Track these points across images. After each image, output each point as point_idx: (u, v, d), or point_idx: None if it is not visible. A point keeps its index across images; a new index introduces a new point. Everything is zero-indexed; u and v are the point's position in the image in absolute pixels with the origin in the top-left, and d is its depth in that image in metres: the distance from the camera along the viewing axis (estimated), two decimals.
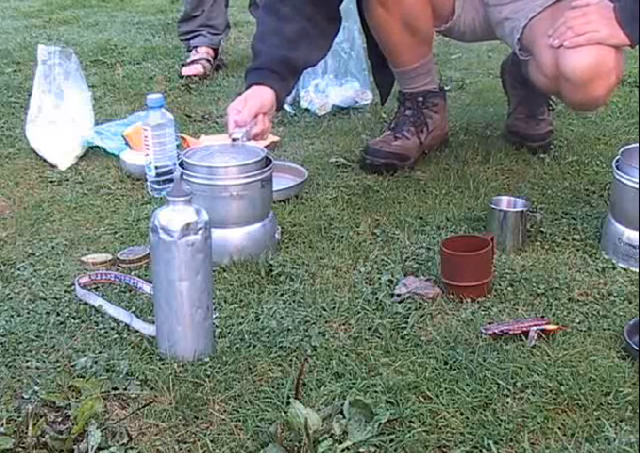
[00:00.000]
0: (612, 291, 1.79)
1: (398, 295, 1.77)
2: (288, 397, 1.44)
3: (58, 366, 1.57)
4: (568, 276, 1.86)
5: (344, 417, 1.37)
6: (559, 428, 1.38)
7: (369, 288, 1.81)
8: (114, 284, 1.87)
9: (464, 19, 2.43)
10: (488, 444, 1.34)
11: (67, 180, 2.46)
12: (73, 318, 1.73)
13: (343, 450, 1.32)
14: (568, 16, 2.05)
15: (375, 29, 2.40)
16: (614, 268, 1.89)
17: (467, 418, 1.40)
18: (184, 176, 1.82)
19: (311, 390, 1.48)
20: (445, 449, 1.35)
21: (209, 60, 3.53)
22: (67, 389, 1.49)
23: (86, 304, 1.77)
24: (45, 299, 1.81)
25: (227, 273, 1.88)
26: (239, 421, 1.41)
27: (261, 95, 2.06)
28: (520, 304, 1.75)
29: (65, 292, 1.84)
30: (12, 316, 1.74)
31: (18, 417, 1.40)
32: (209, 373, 1.53)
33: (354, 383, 1.49)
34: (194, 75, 3.43)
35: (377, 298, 1.77)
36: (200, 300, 1.55)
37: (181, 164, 1.94)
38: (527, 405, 1.43)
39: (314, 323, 1.69)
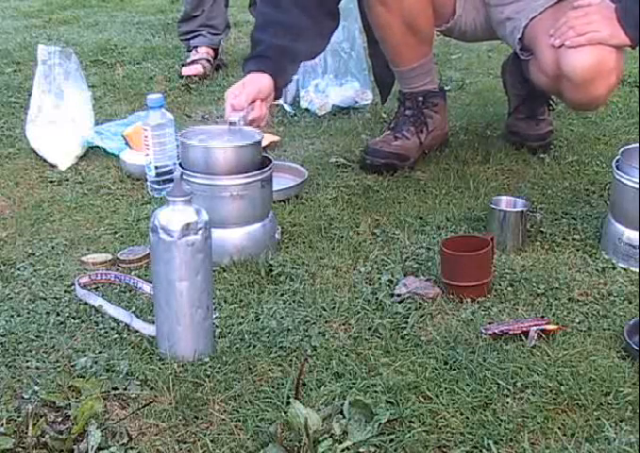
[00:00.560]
0: (612, 291, 1.79)
1: (398, 295, 1.77)
2: (288, 397, 1.44)
3: (58, 366, 1.57)
4: (568, 276, 1.86)
5: (344, 417, 1.37)
6: (559, 428, 1.38)
7: (369, 288, 1.81)
8: (114, 284, 1.87)
9: (465, 19, 2.44)
10: (488, 444, 1.34)
11: (67, 180, 2.46)
12: (73, 318, 1.73)
13: (343, 450, 1.32)
14: (570, 16, 2.06)
15: (375, 28, 2.41)
16: (614, 268, 1.89)
17: (467, 418, 1.40)
18: (184, 176, 1.82)
19: (311, 390, 1.48)
20: (445, 449, 1.35)
21: (209, 60, 3.53)
22: (67, 389, 1.49)
23: (86, 304, 1.77)
24: (45, 299, 1.81)
25: (227, 273, 1.88)
26: (239, 421, 1.41)
27: (260, 82, 2.06)
28: (520, 304, 1.75)
29: (65, 292, 1.84)
30: (12, 316, 1.74)
31: (18, 417, 1.40)
32: (209, 373, 1.53)
33: (354, 383, 1.49)
34: (194, 75, 3.43)
35: (377, 298, 1.77)
36: (200, 300, 1.55)
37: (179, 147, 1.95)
38: (527, 405, 1.43)
39: (314, 323, 1.69)
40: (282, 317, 1.71)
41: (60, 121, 2.61)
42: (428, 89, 2.51)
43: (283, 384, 1.49)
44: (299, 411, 1.33)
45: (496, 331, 1.62)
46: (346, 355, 1.58)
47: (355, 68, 3.11)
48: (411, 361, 1.55)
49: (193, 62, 3.50)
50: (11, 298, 1.82)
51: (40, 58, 2.63)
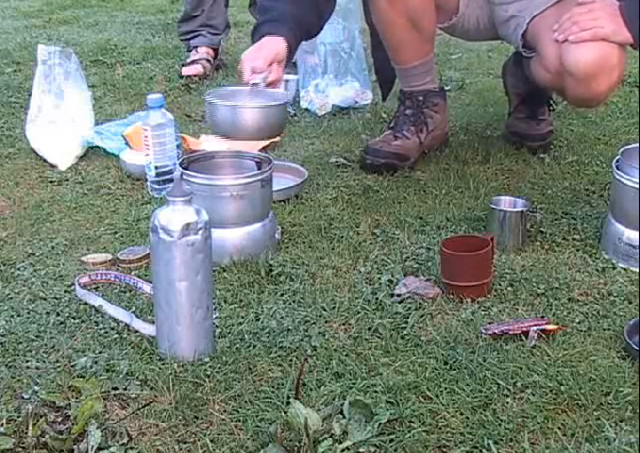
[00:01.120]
0: (612, 291, 1.79)
1: (398, 295, 1.77)
2: (288, 397, 1.44)
3: (58, 366, 1.57)
4: (568, 276, 1.86)
5: (344, 417, 1.37)
6: (559, 428, 1.38)
7: (369, 288, 1.81)
8: (114, 284, 1.87)
9: (469, 17, 2.44)
10: (488, 444, 1.34)
11: (67, 180, 2.46)
12: (73, 318, 1.73)
13: (343, 450, 1.32)
14: (574, 12, 2.07)
15: (379, 24, 2.41)
16: (614, 268, 1.89)
17: (467, 418, 1.40)
18: (184, 176, 1.82)
19: (311, 390, 1.48)
20: (445, 449, 1.35)
21: (209, 60, 3.53)
22: (67, 389, 1.49)
23: (86, 304, 1.77)
24: (45, 299, 1.81)
25: (227, 273, 1.88)
26: (239, 421, 1.41)
27: (276, 45, 2.08)
28: (520, 304, 1.75)
29: (65, 292, 1.84)
30: (12, 316, 1.74)
31: (18, 417, 1.40)
32: (209, 373, 1.53)
33: (354, 383, 1.49)
34: (194, 75, 3.43)
35: (377, 298, 1.77)
36: (200, 300, 1.55)
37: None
38: (527, 405, 1.43)
39: (314, 323, 1.69)
40: (282, 317, 1.71)
41: (60, 121, 2.61)
42: (428, 88, 2.51)
43: (283, 384, 1.49)
44: (299, 411, 1.33)
45: (496, 331, 1.62)
46: (346, 355, 1.58)
47: (355, 68, 3.11)
48: (411, 361, 1.55)
49: (193, 62, 3.50)
50: (11, 298, 1.82)
51: (40, 58, 2.63)
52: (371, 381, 1.49)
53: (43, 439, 1.34)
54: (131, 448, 1.36)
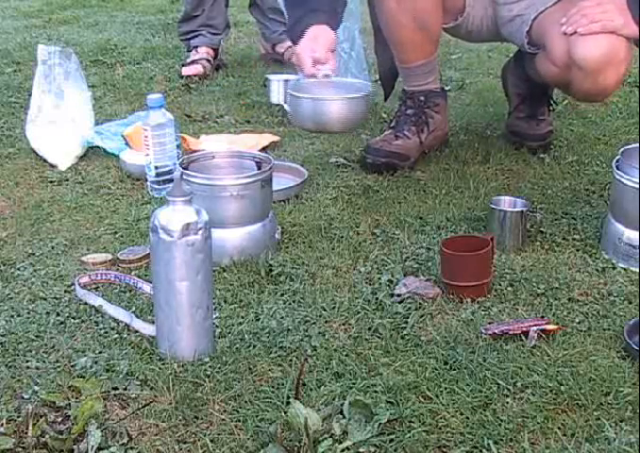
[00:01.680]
0: (612, 291, 1.79)
1: (398, 295, 1.77)
2: (288, 397, 1.44)
3: (58, 366, 1.57)
4: (568, 276, 1.86)
5: (344, 417, 1.37)
6: (559, 428, 1.38)
7: (369, 288, 1.81)
8: (114, 284, 1.87)
9: (473, 18, 2.45)
10: (488, 444, 1.34)
11: (67, 180, 2.46)
12: (73, 318, 1.73)
13: (343, 450, 1.32)
14: (583, 5, 2.09)
15: (384, 23, 2.41)
16: (614, 268, 1.89)
17: (467, 418, 1.40)
18: (184, 176, 1.82)
19: (311, 390, 1.48)
20: (445, 449, 1.35)
21: (209, 60, 3.53)
22: (67, 389, 1.49)
23: (86, 304, 1.77)
24: (45, 299, 1.81)
25: (227, 273, 1.88)
26: (239, 421, 1.41)
27: (327, 33, 2.09)
28: (520, 304, 1.75)
29: (65, 292, 1.84)
30: (12, 316, 1.74)
31: (18, 417, 1.40)
32: (209, 373, 1.53)
33: (354, 383, 1.49)
34: (194, 75, 3.43)
35: (377, 298, 1.77)
36: (200, 300, 1.55)
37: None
38: (527, 405, 1.43)
39: (314, 323, 1.69)
40: (282, 317, 1.71)
41: (60, 121, 2.61)
42: (430, 88, 2.51)
43: (283, 384, 1.49)
44: (299, 411, 1.33)
45: (496, 331, 1.62)
46: (346, 355, 1.58)
47: (355, 68, 3.11)
48: (411, 361, 1.55)
49: (193, 62, 3.50)
50: (11, 298, 1.82)
51: (40, 58, 2.63)
52: (371, 381, 1.49)
53: (43, 439, 1.34)
54: (131, 448, 1.36)
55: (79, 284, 1.82)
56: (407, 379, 1.49)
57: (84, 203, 2.31)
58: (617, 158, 1.93)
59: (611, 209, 1.97)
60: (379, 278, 1.84)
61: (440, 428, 1.38)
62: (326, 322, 1.70)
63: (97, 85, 3.36)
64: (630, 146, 1.96)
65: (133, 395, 1.48)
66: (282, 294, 1.80)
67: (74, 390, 1.48)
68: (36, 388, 1.49)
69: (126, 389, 1.49)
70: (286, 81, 3.06)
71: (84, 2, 5.12)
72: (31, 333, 1.68)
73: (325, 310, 1.74)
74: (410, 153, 2.45)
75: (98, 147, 2.63)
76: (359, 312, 1.73)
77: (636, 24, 2.04)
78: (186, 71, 3.46)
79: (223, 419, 1.42)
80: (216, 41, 3.61)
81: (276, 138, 2.69)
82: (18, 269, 1.94)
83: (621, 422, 1.39)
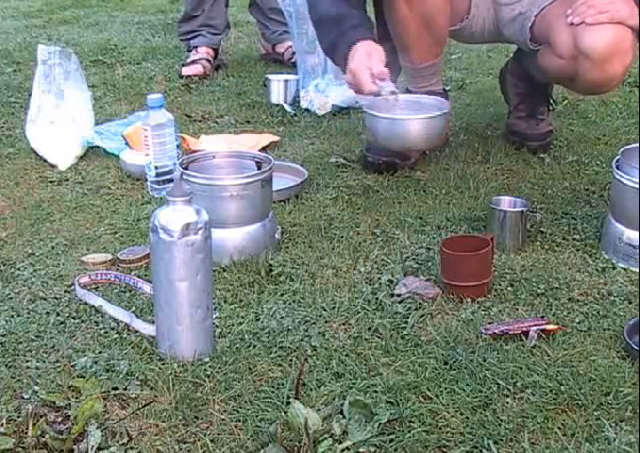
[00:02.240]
0: (612, 291, 1.79)
1: (398, 295, 1.77)
2: (288, 397, 1.44)
3: (58, 366, 1.57)
4: (568, 276, 1.86)
5: (344, 417, 1.37)
6: (559, 428, 1.38)
7: (369, 288, 1.81)
8: (114, 284, 1.87)
9: (477, 19, 2.45)
10: (488, 444, 1.34)
11: (67, 180, 2.46)
12: (73, 318, 1.73)
13: (343, 450, 1.32)
14: None
15: (393, 24, 2.40)
16: (614, 268, 1.89)
17: (467, 418, 1.40)
18: (184, 176, 1.82)
19: (311, 390, 1.48)
20: (445, 449, 1.35)
21: (209, 60, 3.53)
22: (67, 389, 1.49)
23: (86, 304, 1.77)
24: (45, 299, 1.81)
25: (227, 273, 1.88)
26: (239, 421, 1.41)
27: (377, 48, 2.07)
28: (520, 304, 1.75)
29: (65, 292, 1.84)
30: (12, 316, 1.74)
31: (18, 417, 1.40)
32: (209, 373, 1.53)
33: (354, 383, 1.49)
34: (194, 75, 3.43)
35: (377, 298, 1.77)
36: (200, 300, 1.55)
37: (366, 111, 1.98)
38: (527, 405, 1.43)
39: (314, 323, 1.69)
40: (282, 317, 1.71)
41: (60, 121, 2.61)
42: (433, 89, 2.51)
43: (283, 384, 1.49)
44: (299, 411, 1.33)
45: (496, 331, 1.62)
46: (346, 355, 1.58)
47: None
48: (411, 361, 1.55)
49: (193, 62, 3.50)
50: (11, 298, 1.82)
51: (40, 58, 2.63)
52: (371, 381, 1.49)
53: (43, 439, 1.34)
54: (131, 448, 1.36)
55: (79, 284, 1.82)
56: (407, 379, 1.49)
57: (84, 203, 2.31)
58: (617, 158, 1.93)
59: (611, 209, 1.97)
60: (379, 278, 1.84)
61: (440, 428, 1.38)
62: (326, 322, 1.70)
63: (97, 85, 3.36)
64: (630, 146, 1.97)
65: (133, 395, 1.48)
66: (282, 294, 1.80)
67: (74, 390, 1.48)
68: (36, 388, 1.49)
69: (126, 389, 1.49)
70: (286, 81, 3.07)
71: (84, 2, 5.12)
72: (31, 333, 1.68)
73: (325, 310, 1.74)
74: (411, 153, 2.45)
75: (98, 147, 2.63)
76: (359, 312, 1.73)
77: None
78: (186, 71, 3.46)
79: (223, 419, 1.42)
80: (216, 41, 3.61)
81: (276, 138, 2.69)
82: (18, 269, 1.94)
83: (621, 422, 1.39)
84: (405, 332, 1.65)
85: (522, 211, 1.99)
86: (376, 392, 1.46)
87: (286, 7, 3.08)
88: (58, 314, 1.75)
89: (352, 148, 2.62)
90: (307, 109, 2.99)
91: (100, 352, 1.61)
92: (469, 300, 1.75)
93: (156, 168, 2.30)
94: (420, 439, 1.36)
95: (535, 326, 1.62)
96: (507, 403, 1.44)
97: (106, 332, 1.68)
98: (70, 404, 1.43)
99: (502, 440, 1.36)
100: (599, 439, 1.35)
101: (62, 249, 2.04)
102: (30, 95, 2.70)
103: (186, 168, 1.95)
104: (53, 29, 4.43)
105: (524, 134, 2.59)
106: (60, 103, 2.63)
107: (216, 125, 2.90)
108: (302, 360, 1.53)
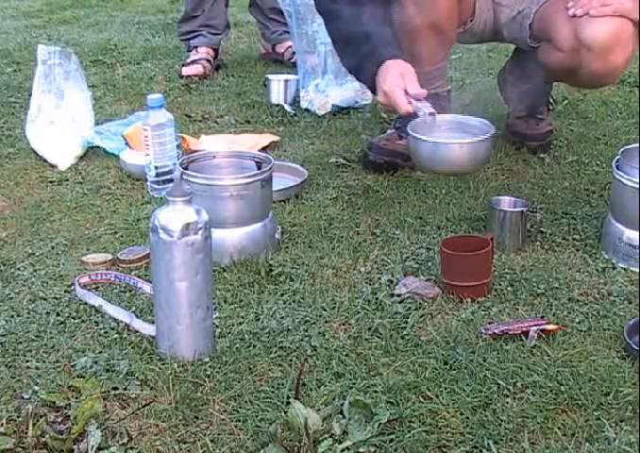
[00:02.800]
0: (612, 291, 1.79)
1: (398, 295, 1.77)
2: (288, 397, 1.44)
3: (58, 366, 1.57)
4: (568, 276, 1.86)
5: (344, 417, 1.37)
6: (559, 428, 1.38)
7: (369, 288, 1.81)
8: (114, 284, 1.87)
9: (479, 21, 2.45)
10: (488, 444, 1.34)
11: (67, 180, 2.46)
12: (73, 318, 1.73)
13: (343, 450, 1.32)
14: None
15: (402, 28, 2.39)
16: (614, 268, 1.89)
17: (467, 418, 1.40)
18: (184, 176, 1.82)
19: (311, 390, 1.48)
20: (445, 449, 1.35)
21: (209, 60, 3.53)
22: (67, 389, 1.49)
23: (86, 304, 1.77)
24: (45, 299, 1.81)
25: (227, 273, 1.88)
26: (239, 421, 1.41)
27: (407, 66, 2.05)
28: (520, 304, 1.75)
29: (65, 292, 1.84)
30: (12, 316, 1.74)
31: (18, 417, 1.41)
32: (209, 373, 1.53)
33: (354, 383, 1.49)
34: (194, 75, 3.43)
35: (377, 298, 1.77)
36: (200, 300, 1.55)
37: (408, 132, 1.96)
38: (527, 405, 1.43)
39: (314, 323, 1.69)
40: (282, 317, 1.71)
41: (60, 121, 2.61)
42: (438, 92, 2.50)
43: (283, 384, 1.49)
44: (299, 411, 1.34)
45: (496, 331, 1.62)
46: (346, 355, 1.58)
47: None
48: (411, 361, 1.55)
49: (193, 62, 3.50)
50: (11, 298, 1.82)
51: (40, 58, 2.63)
52: (371, 381, 1.49)
53: (43, 439, 1.34)
54: (131, 448, 1.36)
55: (79, 284, 1.82)
56: (407, 379, 1.49)
57: (84, 203, 2.31)
58: (617, 158, 1.93)
59: (611, 209, 1.97)
60: (379, 278, 1.84)
61: (440, 428, 1.38)
62: (326, 322, 1.70)
63: (97, 85, 3.36)
64: (630, 146, 1.96)
65: (133, 395, 1.48)
66: (282, 294, 1.80)
67: (74, 390, 1.49)
68: (36, 388, 1.49)
69: (126, 389, 1.49)
70: (286, 81, 3.07)
71: (84, 2, 5.12)
72: (31, 333, 1.68)
73: (325, 310, 1.74)
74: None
75: (98, 147, 2.63)
76: (359, 312, 1.73)
77: None
78: (186, 71, 3.46)
79: (223, 419, 1.42)
80: (216, 41, 3.61)
81: (276, 138, 2.69)
82: (18, 269, 1.94)
83: (621, 422, 1.39)
84: (405, 332, 1.65)
85: (522, 211, 1.99)
86: (376, 392, 1.46)
87: (286, 7, 3.08)
88: (58, 314, 1.75)
89: (352, 148, 2.62)
90: (307, 109, 2.99)
91: (100, 352, 1.61)
92: (469, 300, 1.75)
93: (156, 168, 2.30)
94: (420, 439, 1.36)
95: (535, 326, 1.62)
96: (507, 403, 1.44)
97: (106, 332, 1.68)
98: (70, 404, 1.43)
99: (502, 440, 1.36)
100: (599, 439, 1.35)
101: (62, 249, 2.04)
102: (30, 95, 2.70)
103: (186, 168, 1.95)
104: (53, 29, 4.43)
105: (524, 134, 2.59)
106: (60, 103, 2.63)
107: (216, 125, 2.90)
108: (302, 360, 1.53)
